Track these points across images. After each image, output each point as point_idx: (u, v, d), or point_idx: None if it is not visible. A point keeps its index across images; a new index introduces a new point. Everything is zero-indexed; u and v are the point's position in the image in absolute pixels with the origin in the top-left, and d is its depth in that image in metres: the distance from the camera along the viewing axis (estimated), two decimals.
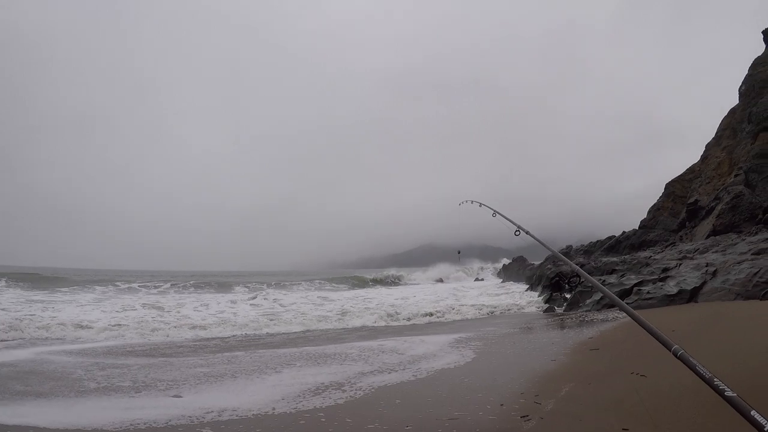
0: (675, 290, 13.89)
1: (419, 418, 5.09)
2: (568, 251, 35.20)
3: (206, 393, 6.48)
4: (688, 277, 14.53)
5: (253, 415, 5.39)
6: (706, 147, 36.67)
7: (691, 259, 16.78)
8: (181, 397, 6.29)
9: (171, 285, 30.78)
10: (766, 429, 1.80)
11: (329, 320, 15.02)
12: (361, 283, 41.27)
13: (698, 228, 27.68)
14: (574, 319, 13.46)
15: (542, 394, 5.64)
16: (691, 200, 31.37)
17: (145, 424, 5.13)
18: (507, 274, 45.19)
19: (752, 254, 14.71)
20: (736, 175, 27.40)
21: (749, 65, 32.86)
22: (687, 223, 30.32)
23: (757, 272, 13.03)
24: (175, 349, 10.40)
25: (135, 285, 29.41)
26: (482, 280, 46.92)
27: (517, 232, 5.69)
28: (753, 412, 1.87)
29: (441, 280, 46.47)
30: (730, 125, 33.93)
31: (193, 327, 13.34)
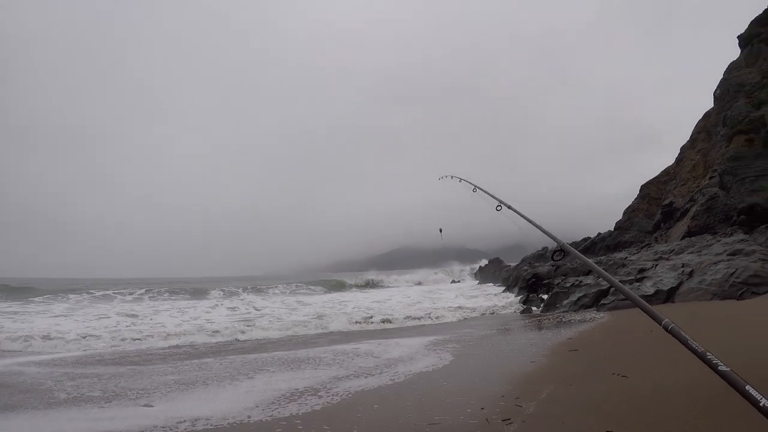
0: (652, 291, 13.97)
1: (399, 423, 4.97)
2: (543, 252, 35.39)
3: (178, 401, 6.28)
4: (664, 277, 14.63)
5: (228, 423, 5.22)
6: (681, 149, 37.18)
7: (667, 259, 16.93)
8: (152, 406, 6.09)
9: (146, 291, 30.46)
10: (761, 404, 1.73)
11: (305, 325, 14.80)
12: (338, 286, 41.22)
13: (673, 229, 28.04)
14: (552, 320, 13.45)
15: (523, 396, 5.55)
16: (666, 202, 31.81)
17: None
18: (483, 275, 45.41)
19: (728, 255, 14.86)
20: (710, 178, 27.80)
21: (725, 69, 33.38)
22: (662, 224, 30.72)
23: (734, 272, 13.16)
24: (145, 357, 10.18)
25: (110, 292, 29.03)
26: (459, 282, 47.10)
27: (499, 207, 5.27)
28: (748, 387, 1.79)
29: (420, 283, 46.55)
30: (705, 128, 34.45)
31: (167, 335, 13.02)
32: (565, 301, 15.80)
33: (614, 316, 12.65)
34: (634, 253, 22.81)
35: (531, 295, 19.25)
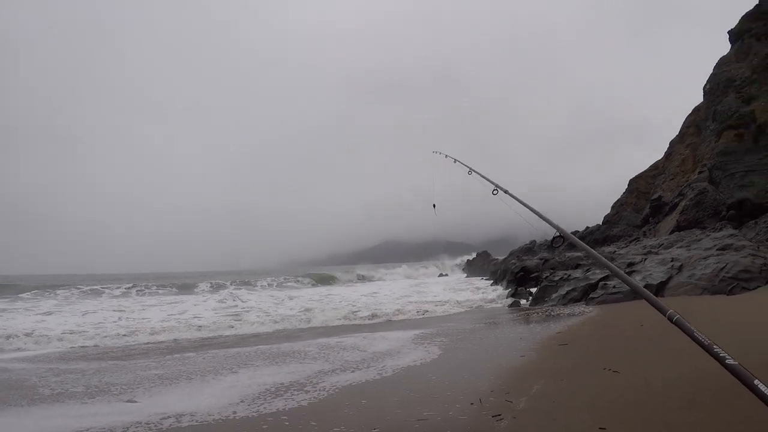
0: (641, 285, 13.91)
1: (387, 419, 4.87)
2: (531, 246, 35.47)
3: (161, 397, 6.18)
4: (654, 271, 14.62)
5: (213, 420, 5.11)
6: (670, 144, 37.30)
7: (656, 254, 16.94)
8: (135, 402, 5.98)
9: (133, 286, 30.35)
10: None
11: (292, 319, 14.66)
12: (326, 280, 41.19)
13: (662, 224, 28.14)
14: (540, 313, 13.41)
15: (513, 391, 5.46)
16: (655, 196, 31.91)
17: None
18: (471, 269, 45.45)
19: (717, 250, 14.87)
20: (700, 172, 27.91)
21: (714, 64, 33.49)
22: (651, 218, 30.82)
23: (724, 267, 13.17)
24: (128, 352, 10.09)
25: (98, 287, 28.91)
26: (447, 275, 47.10)
27: (495, 191, 5.14)
28: (756, 382, 1.70)
29: (408, 277, 46.54)
30: (695, 123, 34.59)
31: (153, 331, 12.85)
32: (553, 295, 15.77)
33: (603, 310, 12.63)
34: (623, 247, 22.86)
35: (519, 289, 19.22)
